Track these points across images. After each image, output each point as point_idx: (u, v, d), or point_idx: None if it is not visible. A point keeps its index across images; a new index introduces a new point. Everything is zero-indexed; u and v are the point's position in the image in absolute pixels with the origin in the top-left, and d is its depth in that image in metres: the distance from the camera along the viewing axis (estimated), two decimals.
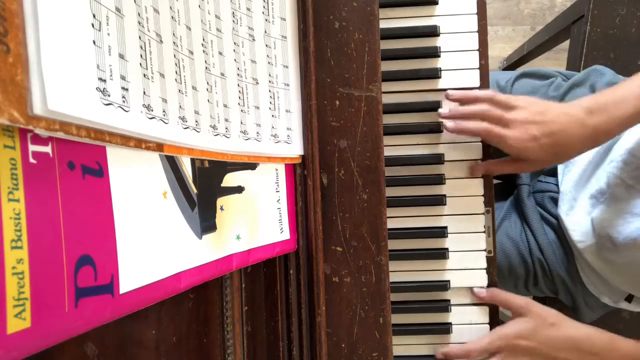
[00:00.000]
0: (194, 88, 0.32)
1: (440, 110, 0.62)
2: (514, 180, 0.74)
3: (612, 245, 0.60)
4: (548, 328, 0.58)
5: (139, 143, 0.26)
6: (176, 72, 0.30)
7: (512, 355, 0.58)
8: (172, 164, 0.30)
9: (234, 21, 0.38)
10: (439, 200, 0.63)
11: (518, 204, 0.73)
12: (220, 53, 0.36)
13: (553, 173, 0.72)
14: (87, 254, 0.22)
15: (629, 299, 0.69)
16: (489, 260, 0.63)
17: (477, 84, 0.63)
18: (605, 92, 0.56)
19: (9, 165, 0.19)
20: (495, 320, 0.63)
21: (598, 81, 0.74)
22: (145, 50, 0.27)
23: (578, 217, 0.66)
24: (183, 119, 0.30)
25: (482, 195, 0.63)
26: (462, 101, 0.61)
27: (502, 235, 0.72)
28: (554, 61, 1.60)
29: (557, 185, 0.71)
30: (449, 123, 0.60)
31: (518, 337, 0.58)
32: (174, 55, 0.30)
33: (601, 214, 0.62)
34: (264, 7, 0.42)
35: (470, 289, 0.63)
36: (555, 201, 0.70)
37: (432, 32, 0.63)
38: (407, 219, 0.64)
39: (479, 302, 0.63)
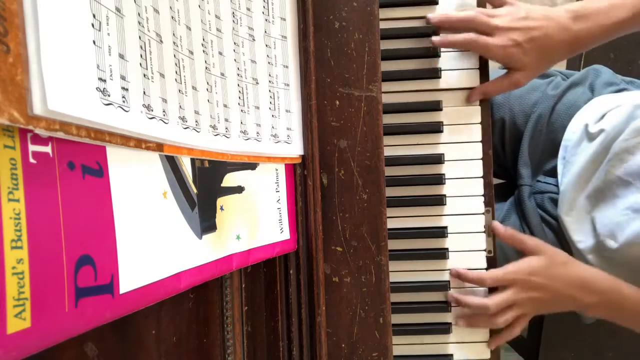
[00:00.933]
0: (194, 88, 0.32)
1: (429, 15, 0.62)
2: (515, 181, 0.74)
3: (614, 243, 0.60)
4: (559, 266, 0.60)
5: (139, 143, 0.26)
6: (176, 72, 0.30)
7: (524, 290, 0.59)
8: (172, 164, 0.30)
9: (234, 21, 0.38)
10: (439, 200, 0.63)
11: (519, 204, 0.73)
12: (220, 53, 0.36)
13: (553, 173, 0.72)
14: (87, 254, 0.22)
15: None
16: (489, 260, 0.63)
17: (478, 84, 0.63)
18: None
19: (9, 165, 0.19)
20: None
21: (596, 80, 0.74)
22: (145, 50, 0.27)
23: (578, 217, 0.66)
24: (183, 119, 0.30)
25: (482, 195, 0.63)
26: (444, 25, 0.62)
27: None
28: None
29: (556, 186, 0.71)
30: (435, 38, 0.61)
31: (531, 274, 0.59)
32: (174, 55, 0.30)
33: (602, 213, 0.62)
34: (264, 7, 0.42)
35: (490, 225, 0.63)
36: (555, 202, 0.70)
37: (432, 31, 0.63)
38: (407, 219, 0.64)
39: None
